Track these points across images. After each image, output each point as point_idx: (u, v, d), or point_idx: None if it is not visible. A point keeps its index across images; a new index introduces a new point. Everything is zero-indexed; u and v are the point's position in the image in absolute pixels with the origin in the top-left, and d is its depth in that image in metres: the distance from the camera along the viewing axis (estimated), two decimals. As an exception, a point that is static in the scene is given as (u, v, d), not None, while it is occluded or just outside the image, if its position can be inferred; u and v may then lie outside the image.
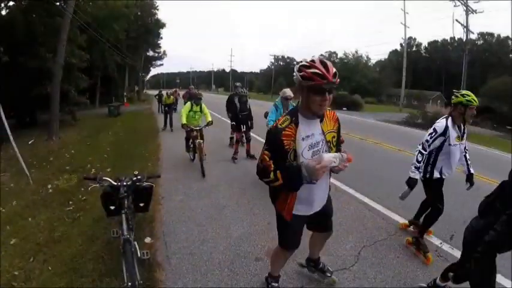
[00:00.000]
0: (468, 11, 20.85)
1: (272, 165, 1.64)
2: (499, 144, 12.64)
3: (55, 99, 11.55)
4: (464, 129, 2.79)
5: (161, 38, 39.26)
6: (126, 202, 2.38)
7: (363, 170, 5.65)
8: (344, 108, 30.23)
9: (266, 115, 5.04)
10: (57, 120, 11.79)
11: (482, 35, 50.71)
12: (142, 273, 2.41)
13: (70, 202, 4.55)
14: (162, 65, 50.33)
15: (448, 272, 2.23)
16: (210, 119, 5.79)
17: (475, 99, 2.62)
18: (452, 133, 2.71)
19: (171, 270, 2.66)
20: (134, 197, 2.56)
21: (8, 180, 6.35)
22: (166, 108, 12.02)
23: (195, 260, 2.81)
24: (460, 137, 2.77)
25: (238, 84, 7.68)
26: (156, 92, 20.86)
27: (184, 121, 5.64)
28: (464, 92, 2.66)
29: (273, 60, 72.23)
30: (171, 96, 12.59)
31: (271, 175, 1.63)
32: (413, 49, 58.62)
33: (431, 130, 2.76)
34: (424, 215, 3.13)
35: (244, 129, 6.67)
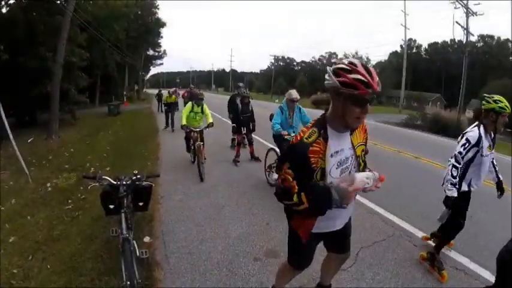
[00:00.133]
0: (468, 13, 20.88)
1: (296, 187, 1.41)
2: (499, 146, 12.58)
3: (55, 98, 11.57)
4: (494, 137, 2.57)
5: (161, 37, 39.34)
6: (125, 201, 2.39)
7: (362, 171, 5.65)
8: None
9: (271, 118, 4.75)
10: (56, 119, 11.81)
11: (482, 37, 50.89)
12: (141, 272, 2.41)
13: (69, 201, 4.57)
14: (162, 64, 50.31)
15: None
16: (211, 120, 5.60)
17: (508, 105, 2.41)
18: (485, 143, 2.49)
19: (170, 269, 2.67)
20: (133, 196, 2.57)
21: (8, 178, 6.36)
22: (166, 107, 11.74)
23: (193, 259, 2.81)
24: (491, 146, 2.56)
25: (241, 84, 7.53)
26: (156, 91, 20.83)
27: (184, 122, 5.44)
28: (496, 97, 2.45)
29: (273, 61, 72.68)
30: (173, 95, 12.12)
31: (295, 198, 1.40)
32: (414, 51, 58.75)
33: (463, 141, 2.48)
34: (442, 229, 2.84)
35: (245, 131, 6.53)
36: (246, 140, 6.66)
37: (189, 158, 6.25)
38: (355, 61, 1.34)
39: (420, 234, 3.38)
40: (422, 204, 4.26)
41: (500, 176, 2.77)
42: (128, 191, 2.43)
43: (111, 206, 2.50)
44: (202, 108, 5.80)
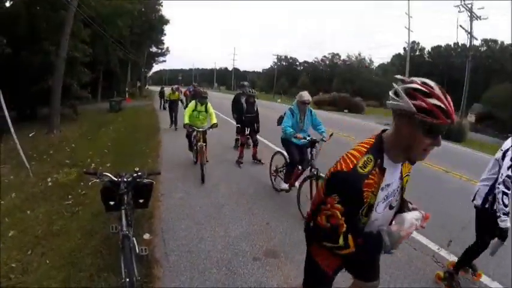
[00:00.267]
0: (472, 17, 20.85)
1: (345, 225, 1.16)
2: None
3: (57, 92, 11.56)
4: None
5: (165, 34, 39.50)
6: (125, 198, 2.39)
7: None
8: (345, 111, 30.41)
9: (280, 120, 4.35)
10: (58, 113, 11.81)
11: (485, 41, 50.84)
12: (140, 269, 2.41)
13: (69, 196, 4.57)
14: (164, 61, 50.58)
15: None
16: (215, 121, 5.32)
17: None
18: None
19: (169, 267, 2.67)
20: (134, 193, 2.56)
21: (8, 172, 6.36)
22: (169, 104, 11.43)
23: (193, 257, 2.81)
24: None
25: (246, 83, 7.26)
26: (158, 88, 20.72)
27: (187, 121, 5.27)
28: None
29: (275, 60, 72.69)
30: (176, 92, 11.69)
31: (341, 240, 1.16)
32: (417, 53, 58.71)
33: (510, 162, 2.17)
34: (466, 249, 2.57)
35: (249, 132, 6.36)
36: (250, 141, 6.43)
37: (191, 157, 6.13)
38: (430, 82, 1.09)
39: (432, 245, 3.24)
40: (433, 212, 4.21)
41: None
42: (129, 188, 2.43)
43: (112, 203, 2.51)
44: (206, 107, 5.59)
